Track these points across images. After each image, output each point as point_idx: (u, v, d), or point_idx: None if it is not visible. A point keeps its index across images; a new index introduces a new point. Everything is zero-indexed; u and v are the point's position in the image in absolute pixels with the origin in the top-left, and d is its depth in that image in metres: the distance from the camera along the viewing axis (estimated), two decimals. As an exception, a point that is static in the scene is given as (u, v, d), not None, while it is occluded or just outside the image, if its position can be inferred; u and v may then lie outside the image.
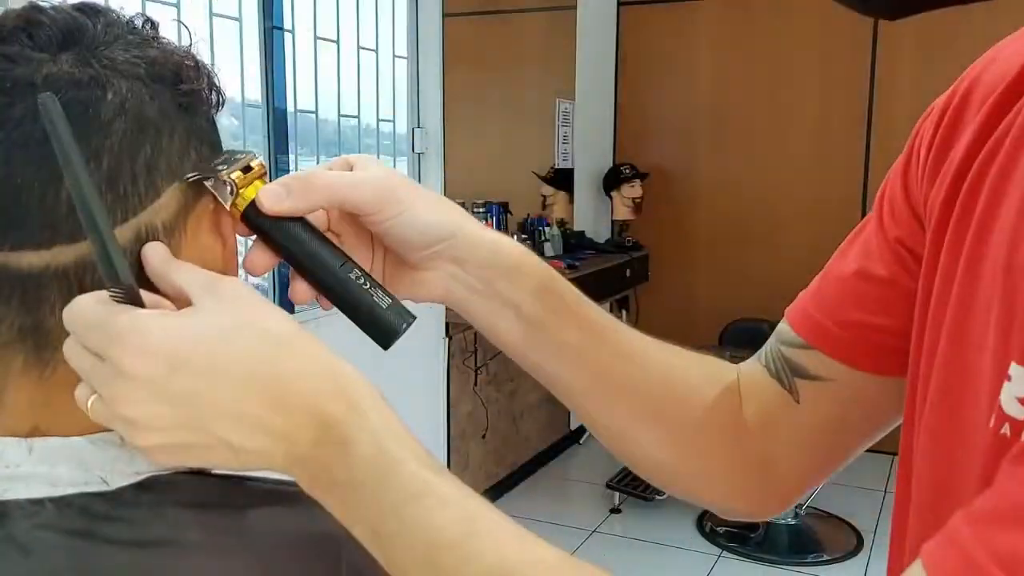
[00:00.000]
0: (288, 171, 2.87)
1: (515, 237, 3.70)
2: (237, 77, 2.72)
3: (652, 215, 4.41)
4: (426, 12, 3.25)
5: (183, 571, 0.48)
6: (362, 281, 0.54)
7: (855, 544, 3.36)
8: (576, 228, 4.25)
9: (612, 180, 4.37)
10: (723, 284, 4.47)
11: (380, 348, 0.54)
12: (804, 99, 4.26)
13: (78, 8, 0.51)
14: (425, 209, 0.58)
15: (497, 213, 3.61)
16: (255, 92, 2.80)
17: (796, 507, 3.46)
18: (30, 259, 0.46)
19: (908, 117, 3.59)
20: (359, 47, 3.11)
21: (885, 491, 3.74)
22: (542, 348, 0.63)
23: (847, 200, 4.20)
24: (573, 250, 3.96)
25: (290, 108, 2.85)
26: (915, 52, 4.02)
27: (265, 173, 0.54)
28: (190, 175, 0.51)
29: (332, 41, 3.01)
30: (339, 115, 3.02)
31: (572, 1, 4.15)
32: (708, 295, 4.48)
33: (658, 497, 3.43)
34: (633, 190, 4.32)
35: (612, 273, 3.88)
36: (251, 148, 2.87)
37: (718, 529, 3.46)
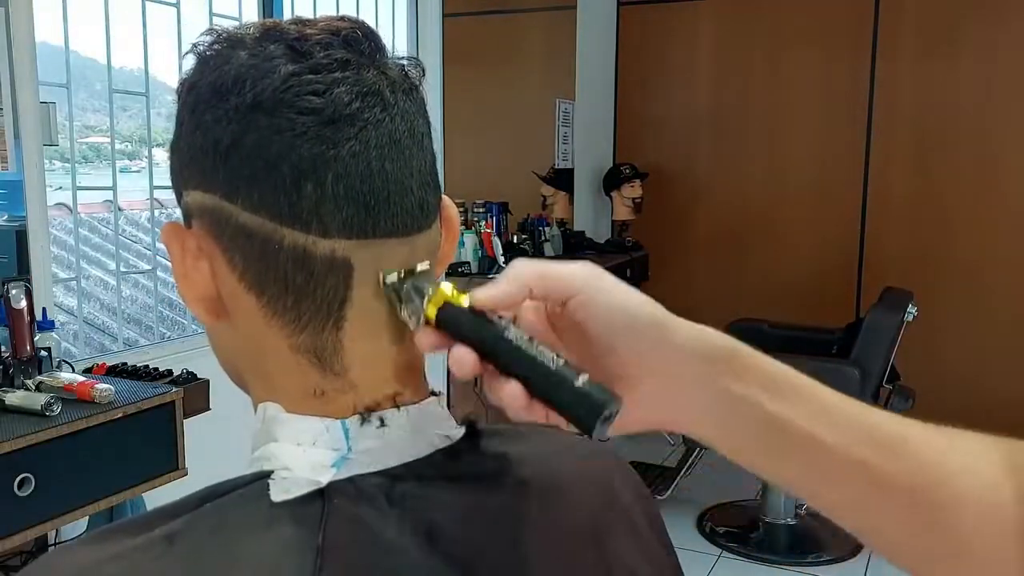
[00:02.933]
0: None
1: (515, 237, 3.72)
2: (237, 77, 2.72)
3: (652, 215, 4.40)
4: (426, 12, 3.25)
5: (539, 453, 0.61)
6: (561, 360, 0.49)
7: (855, 544, 3.36)
8: (576, 228, 4.25)
9: (612, 180, 4.37)
10: (723, 284, 4.47)
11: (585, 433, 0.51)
12: (804, 99, 4.25)
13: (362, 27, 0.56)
14: (630, 294, 0.52)
15: (497, 213, 3.60)
16: (255, 92, 2.80)
17: (796, 507, 3.46)
18: (405, 245, 0.53)
19: (908, 117, 3.64)
20: (359, 47, 3.11)
21: (885, 491, 3.74)
22: (792, 454, 0.49)
23: (847, 200, 4.20)
24: (573, 250, 3.96)
25: (290, 108, 2.86)
26: (915, 51, 4.02)
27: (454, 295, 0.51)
28: (389, 277, 0.52)
29: (332, 41, 3.01)
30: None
31: (572, 1, 4.15)
32: (708, 295, 4.48)
33: (658, 497, 3.43)
34: (633, 190, 4.32)
35: (612, 273, 3.87)
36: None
37: (718, 529, 3.46)
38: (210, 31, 0.55)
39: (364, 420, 0.53)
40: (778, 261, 4.34)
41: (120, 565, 0.48)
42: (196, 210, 0.53)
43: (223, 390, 2.48)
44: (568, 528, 0.58)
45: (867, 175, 4.17)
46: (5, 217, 2.04)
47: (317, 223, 0.50)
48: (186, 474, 1.90)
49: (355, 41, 0.53)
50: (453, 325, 0.50)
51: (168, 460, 1.86)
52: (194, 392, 1.97)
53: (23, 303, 1.79)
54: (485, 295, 0.50)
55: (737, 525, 3.50)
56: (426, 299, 0.50)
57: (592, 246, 4.13)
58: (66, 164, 2.30)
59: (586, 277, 0.51)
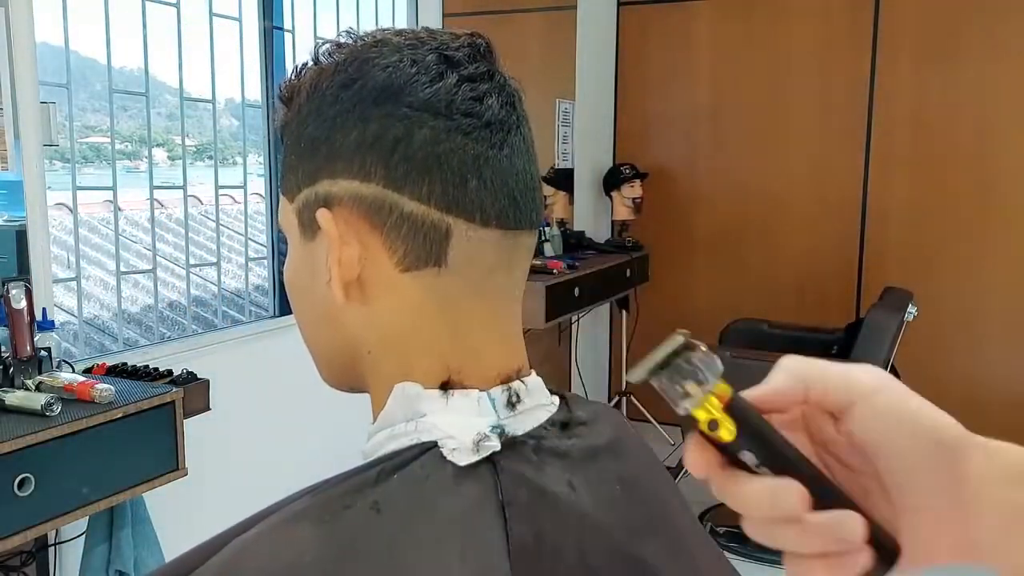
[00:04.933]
0: (288, 171, 2.87)
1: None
2: (237, 77, 2.72)
3: (652, 215, 4.41)
4: (426, 12, 3.25)
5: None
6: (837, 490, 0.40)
7: (855, 544, 3.36)
8: (576, 228, 4.25)
9: (612, 180, 4.37)
10: (723, 284, 4.47)
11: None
12: (804, 99, 4.25)
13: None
14: (925, 407, 0.40)
15: (497, 213, 3.60)
16: (255, 92, 2.80)
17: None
18: (531, 237, 0.63)
19: (908, 118, 3.64)
20: (359, 47, 3.11)
21: (885, 491, 3.74)
22: None
23: (847, 200, 4.20)
24: (573, 250, 3.96)
25: (290, 108, 2.85)
26: (915, 52, 4.02)
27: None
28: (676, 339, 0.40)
29: (332, 41, 3.01)
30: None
31: (572, 1, 4.15)
32: (708, 295, 4.48)
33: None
34: (633, 190, 4.32)
35: (612, 273, 3.88)
36: (251, 148, 2.87)
37: (718, 529, 3.46)
38: (331, 41, 0.61)
39: (504, 392, 0.60)
40: (778, 261, 4.33)
41: (346, 535, 0.53)
42: (347, 198, 0.58)
43: (223, 390, 2.47)
44: (652, 475, 0.68)
45: (867, 175, 4.17)
46: (5, 217, 2.04)
47: (479, 213, 0.58)
48: (186, 474, 1.90)
49: (488, 54, 0.60)
50: (742, 421, 0.40)
51: (168, 460, 1.86)
52: (194, 392, 1.97)
53: (23, 303, 1.79)
54: (756, 391, 0.41)
55: (737, 525, 3.49)
56: (706, 388, 0.39)
57: (592, 246, 4.13)
58: (66, 164, 2.30)
59: (877, 383, 0.40)
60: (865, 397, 0.40)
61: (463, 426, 0.57)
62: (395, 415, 0.59)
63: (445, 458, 0.56)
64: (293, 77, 0.62)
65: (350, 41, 0.60)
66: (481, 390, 0.59)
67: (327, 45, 0.61)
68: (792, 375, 0.41)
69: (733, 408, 0.39)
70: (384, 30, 0.61)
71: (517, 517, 0.55)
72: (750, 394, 0.41)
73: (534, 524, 0.55)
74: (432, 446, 0.57)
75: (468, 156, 0.57)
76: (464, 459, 0.56)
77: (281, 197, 0.64)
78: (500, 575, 0.53)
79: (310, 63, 0.61)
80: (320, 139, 0.59)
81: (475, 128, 0.57)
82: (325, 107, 0.59)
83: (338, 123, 0.58)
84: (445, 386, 0.59)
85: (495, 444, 0.57)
